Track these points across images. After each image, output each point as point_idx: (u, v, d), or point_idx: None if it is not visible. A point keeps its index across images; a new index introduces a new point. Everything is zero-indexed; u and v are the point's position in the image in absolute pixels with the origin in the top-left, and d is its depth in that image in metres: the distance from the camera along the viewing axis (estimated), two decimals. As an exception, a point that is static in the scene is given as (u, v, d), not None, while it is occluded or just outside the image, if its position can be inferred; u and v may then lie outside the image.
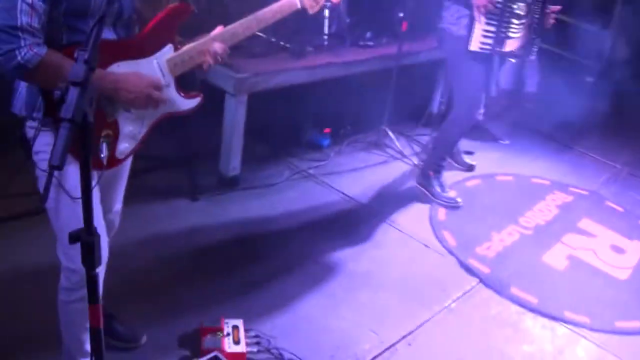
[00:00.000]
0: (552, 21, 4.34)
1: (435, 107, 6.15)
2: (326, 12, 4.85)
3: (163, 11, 2.32)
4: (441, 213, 4.64)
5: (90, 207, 1.62)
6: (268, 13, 2.53)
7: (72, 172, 2.14)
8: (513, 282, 3.97)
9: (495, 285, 3.94)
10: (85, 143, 1.52)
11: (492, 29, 4.11)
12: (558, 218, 4.88)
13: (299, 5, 2.58)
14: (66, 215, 2.24)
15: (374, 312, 3.54)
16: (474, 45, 4.15)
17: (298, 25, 4.80)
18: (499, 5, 4.04)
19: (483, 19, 4.05)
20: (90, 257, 1.64)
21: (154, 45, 2.31)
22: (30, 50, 1.94)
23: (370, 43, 5.21)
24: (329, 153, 5.21)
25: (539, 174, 5.60)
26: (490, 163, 5.61)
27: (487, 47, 4.16)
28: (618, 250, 4.59)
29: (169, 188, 4.36)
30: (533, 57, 4.51)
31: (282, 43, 4.68)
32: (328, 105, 5.25)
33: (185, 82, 2.46)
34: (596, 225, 4.87)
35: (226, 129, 4.38)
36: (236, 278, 3.61)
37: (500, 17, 4.08)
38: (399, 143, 5.46)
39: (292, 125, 5.33)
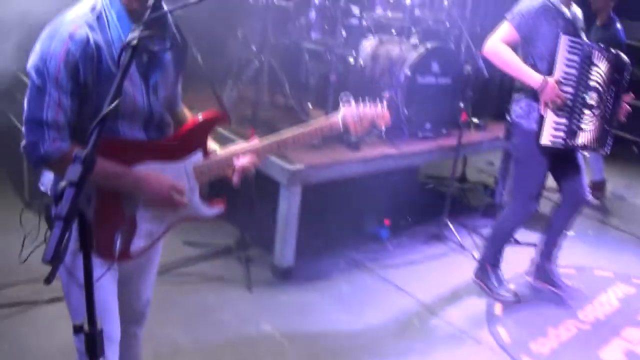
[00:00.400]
0: (625, 110, 4.23)
1: (498, 197, 6.02)
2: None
3: (197, 118, 2.35)
4: (498, 308, 4.47)
5: (92, 299, 1.62)
6: (307, 133, 2.49)
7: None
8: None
9: (552, 386, 3.73)
10: (85, 240, 1.53)
11: (564, 120, 4.00)
12: (619, 311, 4.63)
13: (341, 128, 2.52)
14: (75, 303, 2.25)
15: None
16: (545, 139, 4.03)
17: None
18: (569, 97, 3.96)
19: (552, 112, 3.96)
20: (92, 348, 1.63)
21: (184, 150, 2.33)
22: (53, 144, 2.01)
23: (429, 134, 5.20)
24: (387, 245, 5.14)
25: (602, 264, 5.39)
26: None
27: (559, 140, 4.05)
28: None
29: (222, 277, 4.37)
30: (607, 151, 4.37)
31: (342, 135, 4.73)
32: (388, 195, 5.23)
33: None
34: (661, 320, 4.59)
35: (280, 220, 4.38)
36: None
37: (571, 108, 3.99)
38: (459, 235, 5.34)
39: (349, 215, 5.31)
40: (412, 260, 5.03)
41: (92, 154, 1.49)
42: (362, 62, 5.16)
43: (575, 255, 5.48)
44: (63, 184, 1.43)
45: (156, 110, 2.26)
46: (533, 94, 4.03)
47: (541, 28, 3.94)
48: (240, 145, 2.42)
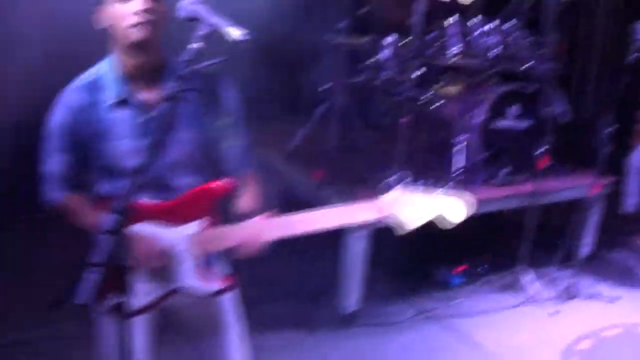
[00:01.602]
0: None
1: (584, 249, 5.71)
2: (457, 149, 4.77)
3: (200, 186, 2.32)
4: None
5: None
6: (330, 216, 2.35)
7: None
8: None
9: None
10: (122, 284, 1.71)
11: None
12: None
13: (376, 215, 2.38)
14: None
15: None
16: None
17: (428, 159, 4.78)
18: None
19: None
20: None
21: (185, 216, 2.29)
22: (52, 193, 2.35)
23: (506, 180, 5.02)
24: (459, 292, 4.98)
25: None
26: (634, 312, 5.09)
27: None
28: None
29: (284, 319, 4.32)
30: None
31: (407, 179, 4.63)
32: (462, 238, 5.07)
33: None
34: None
35: (345, 265, 4.31)
36: None
37: None
38: (535, 287, 5.12)
39: (420, 258, 5.17)
40: (484, 309, 4.85)
41: (127, 207, 1.66)
42: (436, 104, 5.05)
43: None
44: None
45: (160, 173, 2.28)
46: None
47: None
48: (248, 222, 2.32)
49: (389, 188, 2.32)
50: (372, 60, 5.09)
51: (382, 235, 4.32)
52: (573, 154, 5.74)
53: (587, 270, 5.46)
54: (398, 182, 2.23)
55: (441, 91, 5.27)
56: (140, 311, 2.31)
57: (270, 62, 5.22)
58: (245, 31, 1.94)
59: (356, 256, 4.25)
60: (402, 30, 5.21)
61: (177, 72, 2.11)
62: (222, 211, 2.37)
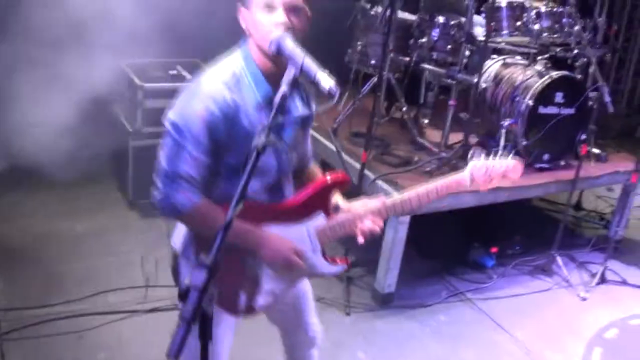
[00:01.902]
0: None
1: (612, 231, 5.76)
2: (502, 133, 4.76)
3: (320, 181, 2.38)
4: (596, 354, 4.31)
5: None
6: (432, 191, 2.41)
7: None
8: None
9: None
10: (204, 333, 1.68)
11: None
12: None
13: (469, 185, 2.45)
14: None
15: None
16: None
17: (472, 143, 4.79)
18: None
19: None
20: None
21: (305, 213, 2.36)
22: (185, 197, 2.14)
23: (546, 165, 5.03)
24: (491, 274, 5.03)
25: None
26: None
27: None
28: None
29: (322, 299, 4.38)
30: None
31: (453, 161, 4.65)
32: (497, 222, 5.11)
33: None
34: None
35: (385, 247, 4.37)
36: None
37: None
38: (567, 270, 5.18)
39: (456, 241, 5.22)
40: (515, 293, 4.90)
41: (217, 261, 1.60)
42: (483, 85, 5.01)
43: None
44: (186, 282, 1.57)
45: (285, 170, 2.33)
46: None
47: None
48: (363, 205, 2.40)
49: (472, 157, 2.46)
50: (424, 39, 5.00)
51: (418, 218, 4.39)
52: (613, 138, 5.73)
53: (619, 255, 5.53)
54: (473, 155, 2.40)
55: (490, 72, 5.23)
56: (262, 310, 2.45)
57: (319, 33, 5.19)
58: (335, 82, 1.91)
59: (398, 241, 4.30)
60: (455, 9, 5.16)
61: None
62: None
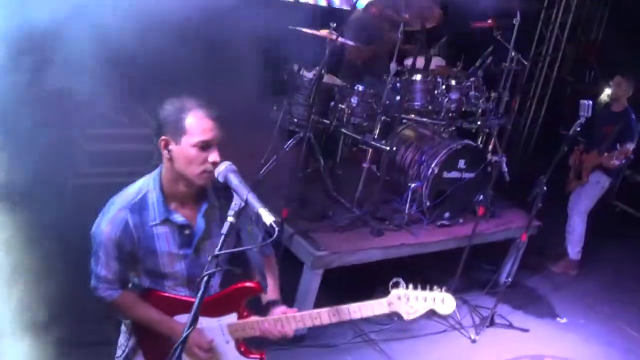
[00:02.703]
0: None
1: (503, 278, 6.35)
2: (409, 194, 5.33)
3: (232, 286, 2.77)
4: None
5: None
6: (345, 314, 2.69)
7: None
8: None
9: None
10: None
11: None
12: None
13: (386, 311, 2.69)
14: None
15: None
16: None
17: (381, 201, 5.31)
18: None
19: None
20: None
21: (220, 310, 2.76)
22: (105, 292, 2.68)
23: (447, 222, 5.63)
24: (392, 316, 5.52)
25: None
26: (543, 342, 5.81)
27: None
28: None
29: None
30: None
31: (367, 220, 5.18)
32: (401, 271, 5.59)
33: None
34: None
35: (300, 295, 4.86)
36: None
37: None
38: (460, 314, 5.79)
39: (362, 286, 5.71)
40: (413, 335, 5.45)
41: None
42: (394, 148, 5.56)
43: (564, 345, 5.89)
44: None
45: (199, 272, 2.63)
46: None
47: None
48: (280, 313, 2.78)
49: (394, 286, 2.68)
50: (343, 105, 5.47)
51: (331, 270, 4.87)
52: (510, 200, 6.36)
53: (507, 299, 6.15)
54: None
55: (401, 136, 5.78)
56: None
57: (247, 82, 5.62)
58: (276, 219, 2.31)
59: (310, 290, 4.80)
60: (374, 76, 5.68)
61: (210, 191, 2.68)
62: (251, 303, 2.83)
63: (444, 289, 2.69)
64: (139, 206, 2.59)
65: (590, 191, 6.82)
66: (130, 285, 2.78)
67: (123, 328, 2.92)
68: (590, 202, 6.89)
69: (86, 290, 2.77)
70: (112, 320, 2.98)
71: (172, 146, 2.51)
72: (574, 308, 6.57)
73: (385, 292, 2.67)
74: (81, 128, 5.22)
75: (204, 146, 2.49)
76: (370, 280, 5.67)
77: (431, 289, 2.67)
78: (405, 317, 2.68)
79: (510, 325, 5.93)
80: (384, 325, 5.41)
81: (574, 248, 7.12)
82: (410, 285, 2.67)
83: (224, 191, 2.63)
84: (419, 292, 2.66)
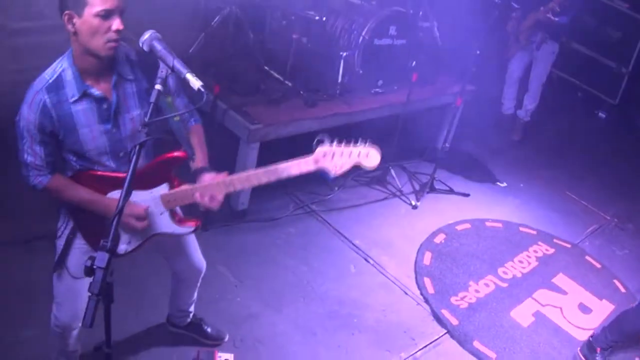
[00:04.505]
0: None
1: (440, 144, 6.46)
2: (341, 63, 5.27)
3: (159, 157, 2.77)
4: (427, 257, 5.08)
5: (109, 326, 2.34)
6: (273, 173, 2.72)
7: (78, 251, 2.88)
8: (477, 336, 4.42)
9: (460, 337, 4.40)
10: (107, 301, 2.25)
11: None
12: (535, 271, 5.24)
13: (312, 168, 2.69)
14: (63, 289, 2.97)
15: (347, 355, 4.05)
16: None
17: (314, 72, 5.26)
18: None
19: None
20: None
21: (151, 182, 2.78)
22: (35, 179, 2.68)
23: (380, 90, 5.62)
24: (333, 187, 5.65)
25: (528, 221, 5.95)
26: (483, 206, 6.02)
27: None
28: (585, 309, 4.95)
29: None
30: None
31: (300, 91, 5.15)
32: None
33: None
34: (570, 281, 5.23)
35: (238, 170, 4.82)
36: (229, 303, 4.19)
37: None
38: (399, 181, 5.90)
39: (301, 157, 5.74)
40: (354, 204, 5.59)
41: (114, 245, 2.14)
42: (324, 18, 5.45)
43: (505, 208, 6.11)
44: (89, 263, 2.10)
45: (121, 147, 2.74)
46: None
47: None
48: (209, 180, 2.81)
49: (319, 143, 2.65)
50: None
51: (267, 143, 4.87)
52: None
53: (445, 165, 6.33)
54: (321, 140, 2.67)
55: (331, 5, 5.66)
56: (127, 254, 2.91)
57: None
58: (202, 83, 2.33)
59: (248, 165, 4.78)
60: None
61: (122, 64, 2.65)
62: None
63: (368, 142, 2.67)
64: (55, 86, 2.56)
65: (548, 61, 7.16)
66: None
67: (62, 211, 2.91)
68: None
69: (21, 185, 2.75)
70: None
71: (75, 19, 2.46)
72: (514, 173, 6.80)
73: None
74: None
75: (106, 15, 2.44)
76: (308, 153, 5.77)
77: (355, 143, 2.65)
78: (332, 173, 2.67)
79: (451, 191, 6.11)
80: (324, 195, 5.52)
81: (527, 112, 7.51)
82: (335, 142, 2.63)
83: (140, 64, 2.70)
84: (344, 148, 2.63)
